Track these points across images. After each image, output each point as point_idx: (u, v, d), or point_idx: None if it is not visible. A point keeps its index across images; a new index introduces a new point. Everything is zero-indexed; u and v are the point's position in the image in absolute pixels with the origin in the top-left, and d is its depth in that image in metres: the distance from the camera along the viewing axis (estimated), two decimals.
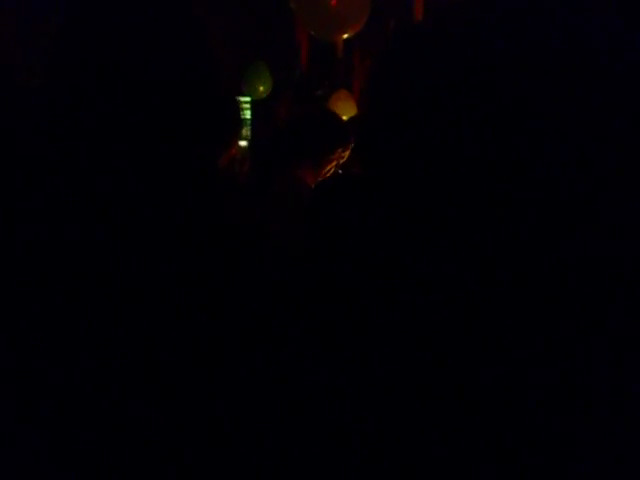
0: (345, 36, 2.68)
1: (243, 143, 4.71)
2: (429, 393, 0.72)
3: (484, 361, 0.70)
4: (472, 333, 0.71)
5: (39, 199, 0.82)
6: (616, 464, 0.66)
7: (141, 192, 0.82)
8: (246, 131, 4.92)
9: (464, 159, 0.71)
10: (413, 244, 0.76)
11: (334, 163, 2.32)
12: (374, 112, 0.83)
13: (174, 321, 0.80)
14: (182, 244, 0.83)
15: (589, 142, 0.69)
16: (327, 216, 0.88)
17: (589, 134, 0.69)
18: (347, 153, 2.34)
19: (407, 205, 0.76)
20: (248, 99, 4.59)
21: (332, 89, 4.47)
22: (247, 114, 4.81)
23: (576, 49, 0.71)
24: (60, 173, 0.83)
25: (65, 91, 0.82)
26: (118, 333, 0.78)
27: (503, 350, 0.69)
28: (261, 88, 4.09)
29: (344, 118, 2.96)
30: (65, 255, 0.79)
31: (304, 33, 4.37)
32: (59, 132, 0.83)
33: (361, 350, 0.75)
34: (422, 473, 0.72)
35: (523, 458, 0.67)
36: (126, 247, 0.80)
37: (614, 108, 0.68)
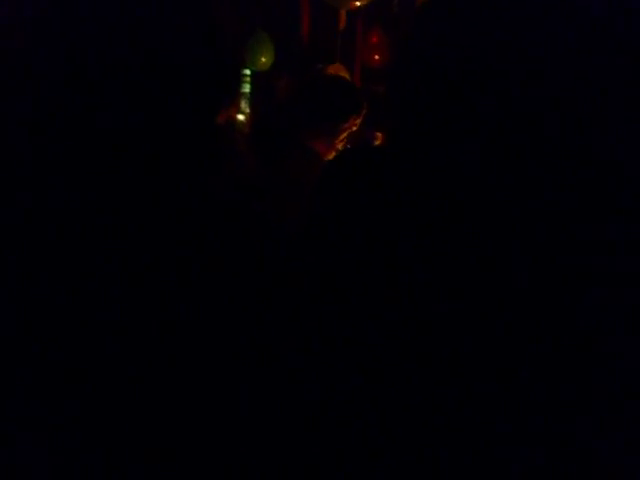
0: (357, 4, 2.62)
1: (241, 117, 4.65)
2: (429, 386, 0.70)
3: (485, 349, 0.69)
4: (479, 327, 0.69)
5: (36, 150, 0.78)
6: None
7: (136, 149, 0.79)
8: (245, 105, 4.85)
9: (489, 137, 0.69)
10: (429, 229, 0.73)
11: (347, 132, 2.28)
12: (402, 88, 0.81)
13: (160, 301, 0.77)
14: (176, 206, 0.80)
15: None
16: (339, 192, 0.85)
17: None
18: (359, 121, 2.30)
19: (426, 186, 0.74)
20: (248, 72, 4.52)
21: (332, 62, 4.41)
22: (247, 87, 4.74)
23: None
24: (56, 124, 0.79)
25: (61, 49, 0.78)
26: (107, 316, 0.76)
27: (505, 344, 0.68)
28: (263, 59, 4.01)
29: None
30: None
31: (306, 3, 4.30)
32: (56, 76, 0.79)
33: (363, 341, 0.72)
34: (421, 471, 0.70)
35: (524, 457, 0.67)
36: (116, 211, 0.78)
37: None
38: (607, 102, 0.68)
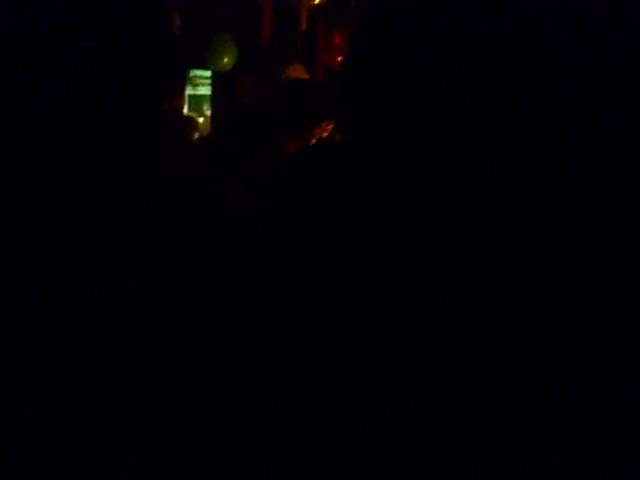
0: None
1: (201, 119, 4.60)
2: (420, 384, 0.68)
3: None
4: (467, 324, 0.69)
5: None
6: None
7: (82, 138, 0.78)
8: (206, 107, 4.81)
9: (450, 126, 0.69)
10: (394, 216, 0.71)
11: (318, 136, 2.27)
12: (357, 79, 0.80)
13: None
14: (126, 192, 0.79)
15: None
16: (298, 185, 0.84)
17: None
18: (331, 127, 2.29)
19: (388, 177, 0.73)
20: (209, 74, 4.46)
21: (292, 63, 4.39)
22: (207, 90, 4.68)
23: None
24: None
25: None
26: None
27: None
28: (225, 59, 3.97)
29: None
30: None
31: (269, 4, 4.27)
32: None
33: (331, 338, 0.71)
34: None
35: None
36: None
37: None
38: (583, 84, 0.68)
